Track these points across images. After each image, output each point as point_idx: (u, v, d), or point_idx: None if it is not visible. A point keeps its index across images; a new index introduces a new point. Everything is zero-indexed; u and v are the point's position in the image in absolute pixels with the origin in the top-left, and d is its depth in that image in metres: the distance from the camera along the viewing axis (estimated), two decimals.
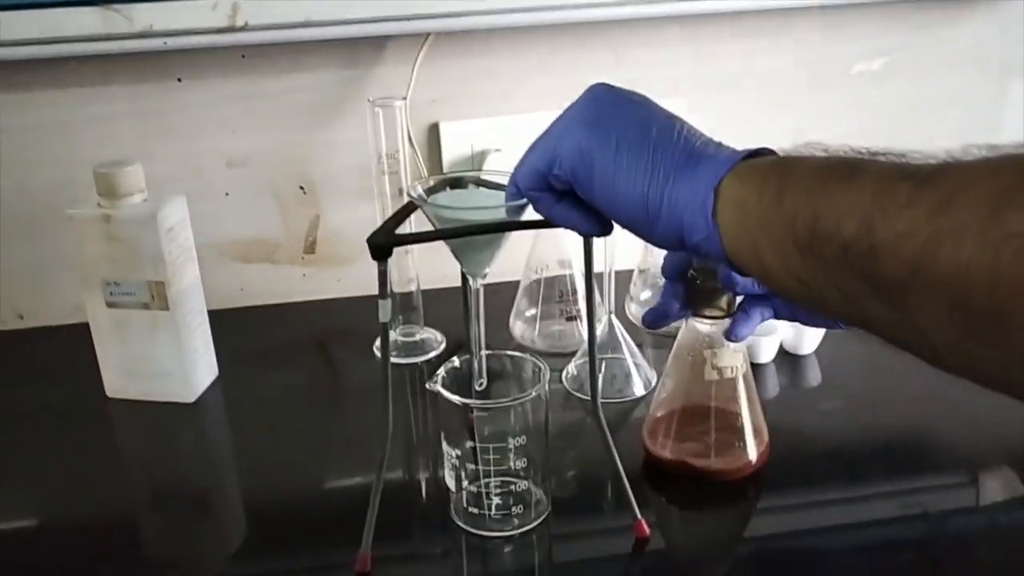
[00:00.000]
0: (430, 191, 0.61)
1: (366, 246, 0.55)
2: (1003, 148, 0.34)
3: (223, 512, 0.75)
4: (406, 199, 0.86)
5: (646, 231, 0.48)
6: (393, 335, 0.93)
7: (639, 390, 0.84)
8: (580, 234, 0.54)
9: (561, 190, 0.51)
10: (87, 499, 0.74)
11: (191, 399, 0.85)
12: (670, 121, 0.48)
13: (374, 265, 0.55)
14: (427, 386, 0.64)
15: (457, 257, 0.61)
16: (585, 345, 0.87)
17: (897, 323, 0.36)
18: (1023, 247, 0.30)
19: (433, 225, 0.59)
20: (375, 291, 0.57)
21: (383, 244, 0.55)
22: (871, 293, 0.36)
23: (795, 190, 0.39)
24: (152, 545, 0.71)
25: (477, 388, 0.63)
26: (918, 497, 0.70)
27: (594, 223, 0.52)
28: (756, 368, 0.87)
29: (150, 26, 0.87)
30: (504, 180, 0.56)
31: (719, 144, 0.47)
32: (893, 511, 0.69)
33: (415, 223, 0.69)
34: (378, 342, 0.93)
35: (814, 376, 0.87)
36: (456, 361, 0.66)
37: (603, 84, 0.51)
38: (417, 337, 0.93)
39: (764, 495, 0.70)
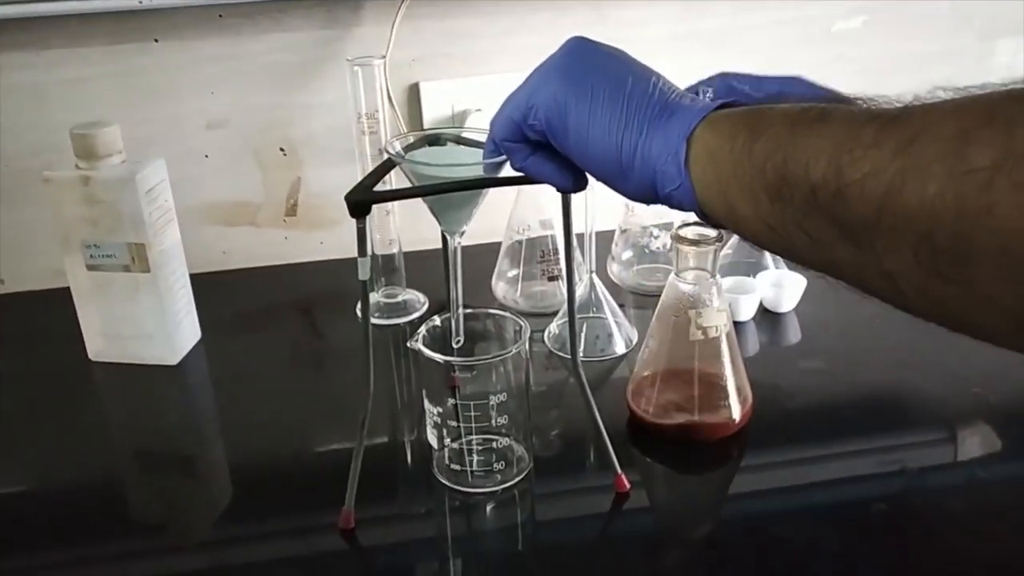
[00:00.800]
0: (408, 148, 0.61)
1: (347, 208, 0.55)
2: (970, 90, 0.34)
3: (208, 474, 0.76)
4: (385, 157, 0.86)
5: (620, 182, 0.48)
6: (376, 296, 0.93)
7: (620, 348, 0.85)
8: (556, 188, 0.54)
9: (536, 142, 0.51)
10: (72, 462, 0.75)
11: (174, 361, 0.85)
12: (646, 74, 0.48)
13: (356, 228, 0.55)
14: (408, 344, 0.64)
15: (435, 215, 0.61)
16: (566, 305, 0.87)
17: (865, 266, 0.36)
18: (985, 181, 0.30)
19: (411, 182, 0.59)
20: (357, 254, 0.57)
21: (361, 201, 0.55)
22: (839, 236, 0.36)
23: (765, 137, 0.40)
24: (137, 507, 0.71)
25: (454, 345, 0.64)
26: (897, 454, 0.71)
27: (568, 176, 0.52)
28: (736, 326, 0.88)
29: None
30: (483, 137, 0.56)
31: (694, 97, 0.47)
32: (872, 468, 0.70)
33: (396, 182, 0.69)
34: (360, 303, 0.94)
35: (794, 334, 0.88)
36: (437, 320, 0.66)
37: (580, 37, 0.51)
38: (399, 298, 0.93)
39: (747, 453, 0.71)
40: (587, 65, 0.49)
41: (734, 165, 0.41)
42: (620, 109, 0.46)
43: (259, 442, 0.76)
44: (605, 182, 0.49)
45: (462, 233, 0.61)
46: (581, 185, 0.53)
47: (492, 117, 0.53)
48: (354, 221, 0.56)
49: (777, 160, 0.38)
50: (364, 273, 0.57)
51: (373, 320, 0.91)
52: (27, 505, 0.71)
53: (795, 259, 0.41)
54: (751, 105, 0.44)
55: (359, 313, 0.92)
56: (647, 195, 0.47)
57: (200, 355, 0.88)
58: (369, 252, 0.58)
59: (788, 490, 0.68)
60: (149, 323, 0.83)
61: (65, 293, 0.84)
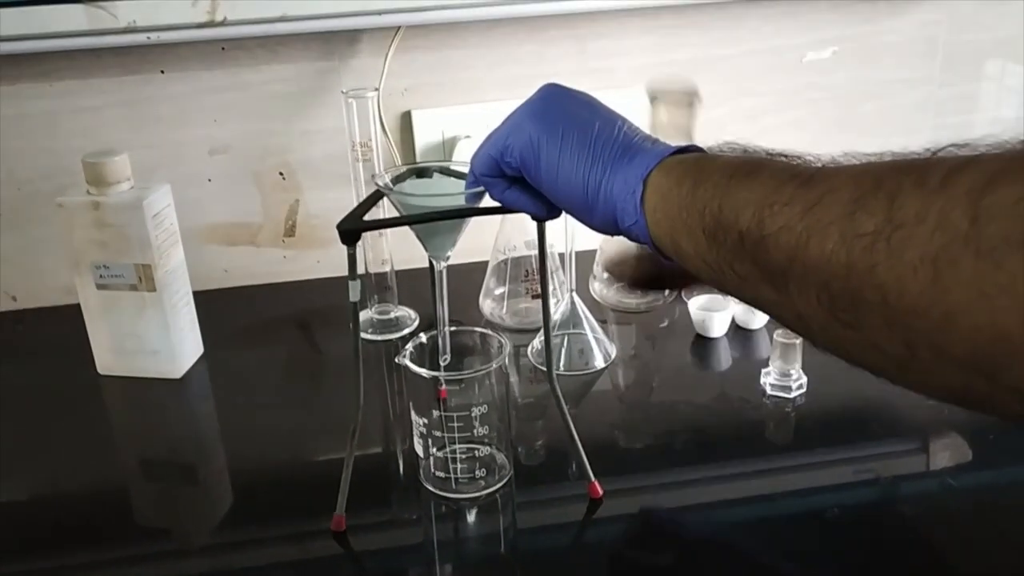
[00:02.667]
0: (396, 179, 0.67)
1: (339, 236, 0.60)
2: (881, 155, 0.40)
3: (209, 481, 0.80)
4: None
5: (585, 216, 0.53)
6: (369, 313, 0.98)
7: (599, 363, 0.90)
8: (531, 217, 0.59)
9: (512, 177, 0.56)
10: (81, 470, 0.79)
11: (178, 375, 0.90)
12: (612, 119, 0.53)
13: (346, 254, 0.60)
14: (396, 360, 0.69)
15: (421, 241, 0.66)
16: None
17: (782, 304, 0.42)
18: (869, 244, 0.35)
19: (399, 212, 0.64)
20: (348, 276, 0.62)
21: (351, 229, 0.61)
22: (761, 277, 0.42)
23: (707, 184, 0.45)
24: (142, 513, 0.75)
25: (442, 363, 0.69)
26: (869, 464, 0.75)
27: (541, 207, 0.58)
28: (708, 342, 0.93)
29: (134, 22, 0.91)
30: (465, 169, 0.62)
31: (655, 140, 0.53)
32: (845, 478, 0.73)
33: (387, 210, 0.74)
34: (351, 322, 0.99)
35: (765, 349, 0.93)
36: (423, 337, 0.71)
37: (554, 84, 0.56)
38: (392, 315, 0.98)
39: (716, 466, 0.75)
40: (559, 110, 0.54)
41: (680, 207, 0.46)
42: (587, 150, 0.52)
43: (258, 451, 0.80)
44: (572, 215, 0.55)
45: (447, 258, 0.67)
46: (554, 215, 0.59)
47: (472, 153, 0.58)
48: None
49: (714, 206, 0.44)
50: (354, 295, 0.63)
51: (367, 336, 0.96)
52: (38, 512, 0.75)
53: (728, 293, 0.47)
54: (702, 153, 0.50)
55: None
56: (610, 228, 0.53)
57: (202, 369, 0.92)
58: (360, 274, 0.63)
59: (758, 499, 0.72)
60: (154, 339, 0.88)
61: (75, 310, 0.89)
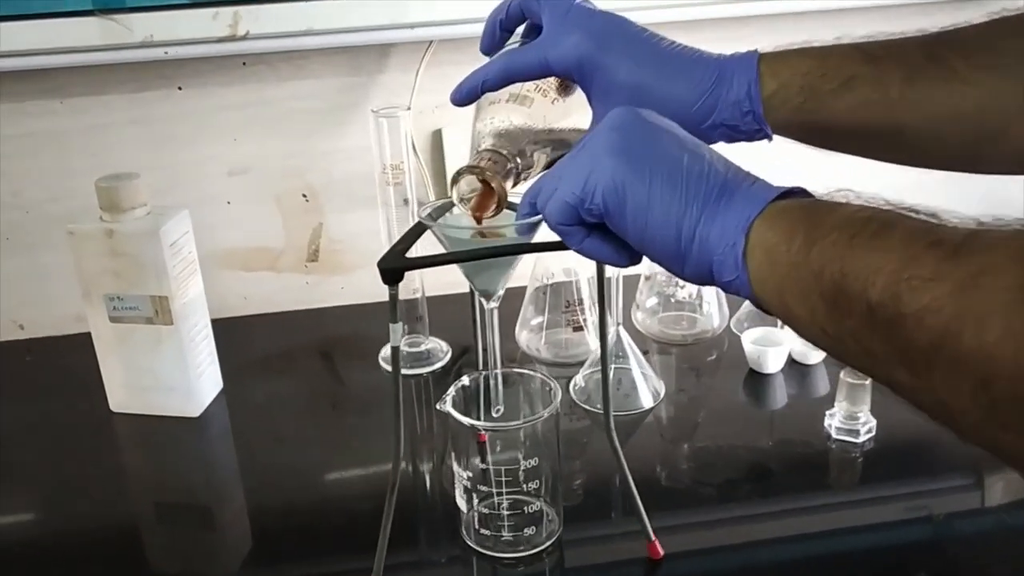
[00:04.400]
0: (439, 211, 0.60)
1: (369, 253, 0.55)
2: None
3: (228, 526, 0.75)
4: (411, 214, 0.85)
5: (677, 267, 0.47)
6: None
7: (647, 401, 0.83)
8: (610, 265, 0.53)
9: (591, 224, 0.50)
10: (93, 514, 0.75)
11: (196, 413, 0.84)
12: (698, 151, 0.47)
13: (377, 273, 0.54)
14: (437, 407, 0.63)
15: (469, 278, 0.61)
16: (592, 356, 0.86)
17: (921, 390, 0.35)
18: None
19: (444, 246, 0.58)
20: (378, 299, 0.56)
21: (394, 268, 0.54)
22: (896, 358, 0.35)
23: (823, 243, 0.38)
24: (157, 560, 0.71)
25: (494, 415, 0.63)
26: (954, 522, 0.70)
27: (624, 256, 0.50)
28: (763, 378, 0.87)
29: (150, 36, 0.86)
30: (515, 199, 0.56)
31: (747, 175, 0.46)
32: (899, 514, 0.69)
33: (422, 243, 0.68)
34: (383, 352, 0.93)
35: (823, 385, 0.87)
36: (466, 380, 0.65)
37: (628, 109, 0.50)
38: (422, 347, 0.92)
39: (784, 522, 0.70)
40: (642, 143, 0.47)
41: (790, 267, 0.40)
42: (679, 193, 0.45)
43: (279, 494, 0.76)
44: (662, 264, 0.48)
45: (498, 297, 0.61)
46: (636, 262, 0.52)
47: (534, 189, 0.52)
48: (374, 265, 0.54)
49: (834, 270, 0.37)
50: (396, 339, 0.56)
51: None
52: (48, 556, 0.70)
53: (851, 366, 0.40)
54: (811, 199, 0.43)
55: (382, 361, 0.92)
56: (704, 279, 0.46)
57: (222, 405, 0.87)
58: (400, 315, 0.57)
59: (832, 559, 0.67)
60: (171, 375, 0.82)
61: (85, 339, 0.84)
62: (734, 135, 0.54)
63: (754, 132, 0.54)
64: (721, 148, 0.49)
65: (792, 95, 0.52)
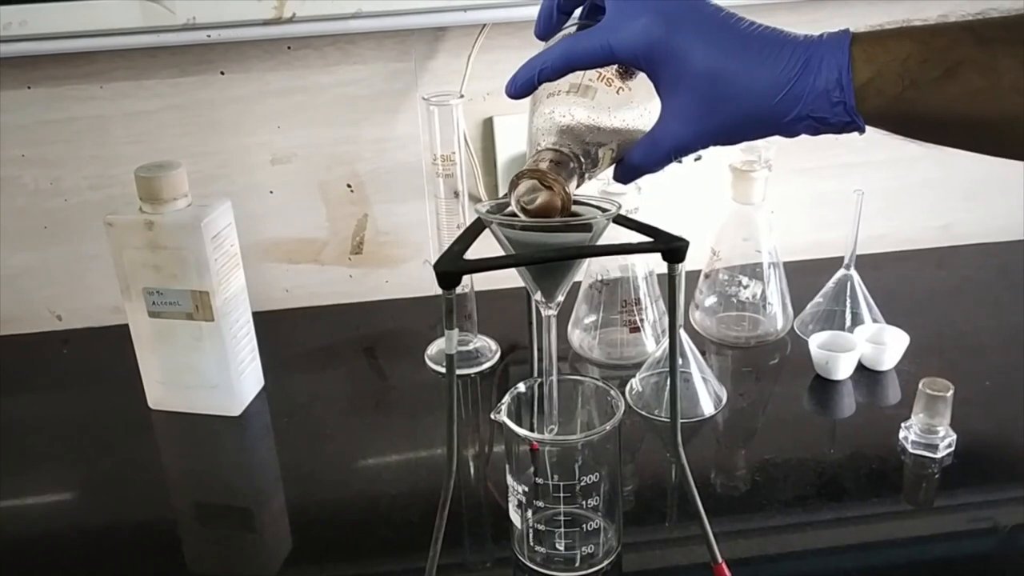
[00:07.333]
0: (497, 209, 0.56)
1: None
2: None
3: (268, 527, 0.72)
4: (461, 208, 0.81)
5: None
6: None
7: (708, 408, 0.79)
8: (663, 257, 0.49)
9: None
10: (131, 514, 0.72)
11: (237, 412, 0.81)
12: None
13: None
14: (492, 416, 0.59)
15: (528, 283, 0.56)
16: (651, 358, 0.82)
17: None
18: None
19: (503, 247, 0.54)
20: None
21: (451, 272, 0.50)
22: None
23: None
24: (197, 562, 0.68)
25: (548, 433, 0.59)
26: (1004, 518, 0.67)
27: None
28: (830, 385, 0.82)
29: (193, 18, 0.82)
30: (586, 200, 0.52)
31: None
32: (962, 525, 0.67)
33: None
34: (428, 349, 0.89)
35: (895, 393, 0.82)
36: (522, 387, 0.61)
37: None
38: (471, 346, 0.88)
39: (859, 545, 0.66)
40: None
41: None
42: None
43: (320, 494, 0.73)
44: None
45: (558, 303, 0.56)
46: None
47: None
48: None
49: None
50: (451, 346, 0.53)
51: (438, 368, 0.87)
52: (86, 555, 0.68)
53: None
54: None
55: (428, 359, 0.88)
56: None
57: (263, 403, 0.84)
58: (432, 294, 0.53)
59: (879, 544, 0.65)
60: (212, 373, 0.79)
61: (123, 330, 0.81)
62: (821, 128, 0.49)
63: (844, 125, 0.49)
64: None
65: (889, 84, 0.47)
